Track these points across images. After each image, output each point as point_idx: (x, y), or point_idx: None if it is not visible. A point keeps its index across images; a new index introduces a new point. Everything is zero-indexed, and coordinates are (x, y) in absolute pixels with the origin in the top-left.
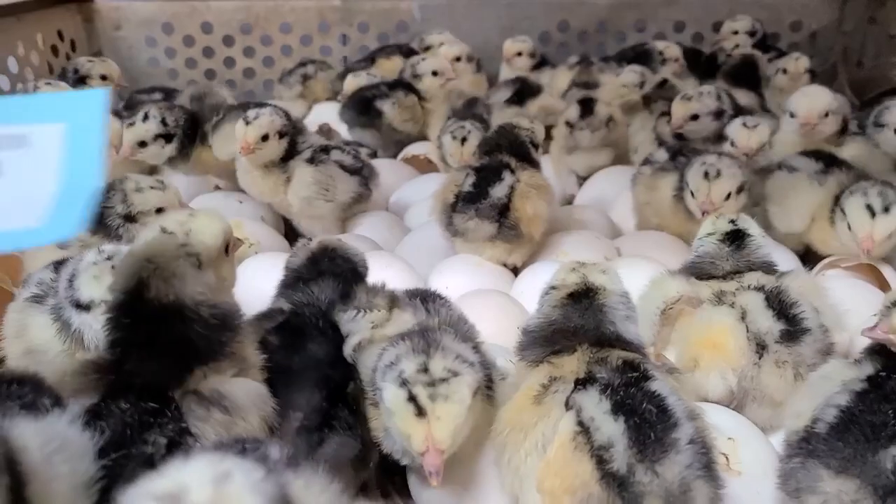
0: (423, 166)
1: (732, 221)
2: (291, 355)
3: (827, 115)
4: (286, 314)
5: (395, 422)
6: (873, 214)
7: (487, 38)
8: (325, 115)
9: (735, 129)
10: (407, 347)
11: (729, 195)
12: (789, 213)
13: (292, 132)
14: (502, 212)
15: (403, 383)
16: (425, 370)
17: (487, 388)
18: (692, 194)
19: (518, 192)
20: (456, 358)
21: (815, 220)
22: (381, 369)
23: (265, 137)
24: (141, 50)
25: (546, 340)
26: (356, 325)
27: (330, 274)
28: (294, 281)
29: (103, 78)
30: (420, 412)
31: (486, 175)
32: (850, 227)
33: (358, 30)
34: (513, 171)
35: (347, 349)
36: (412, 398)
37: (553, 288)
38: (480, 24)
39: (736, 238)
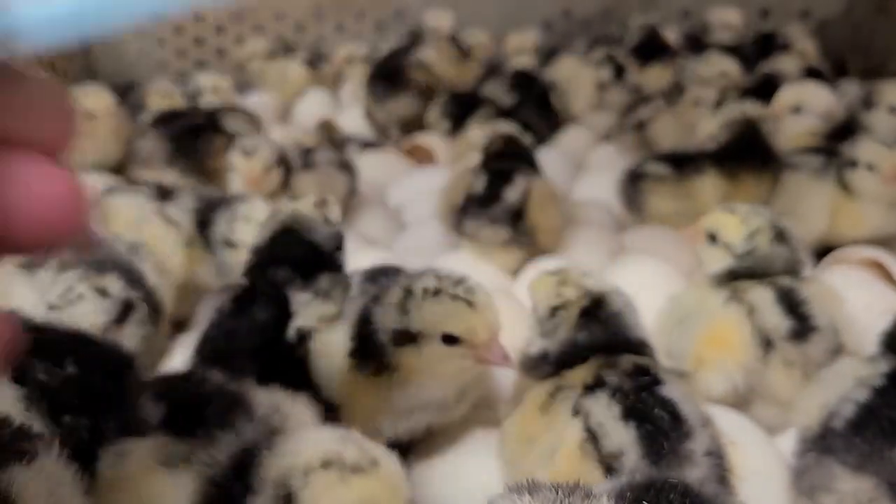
0: (424, 157)
1: (759, 214)
2: (240, 319)
3: (798, 109)
4: (244, 287)
5: (453, 326)
6: (889, 147)
7: (487, 27)
8: (314, 105)
9: (869, 149)
10: (424, 276)
11: None
12: (806, 217)
13: (284, 158)
14: (516, 216)
15: (438, 291)
16: (443, 278)
17: None
18: (868, 168)
19: (534, 200)
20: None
21: (834, 211)
22: (396, 307)
23: (268, 169)
24: (130, 40)
25: (564, 363)
26: (304, 310)
27: (289, 260)
28: (256, 264)
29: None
30: (470, 304)
31: (498, 176)
32: (870, 169)
33: (354, 18)
34: (524, 175)
35: (290, 332)
36: (454, 296)
37: (559, 308)
38: (480, 12)
39: (784, 235)
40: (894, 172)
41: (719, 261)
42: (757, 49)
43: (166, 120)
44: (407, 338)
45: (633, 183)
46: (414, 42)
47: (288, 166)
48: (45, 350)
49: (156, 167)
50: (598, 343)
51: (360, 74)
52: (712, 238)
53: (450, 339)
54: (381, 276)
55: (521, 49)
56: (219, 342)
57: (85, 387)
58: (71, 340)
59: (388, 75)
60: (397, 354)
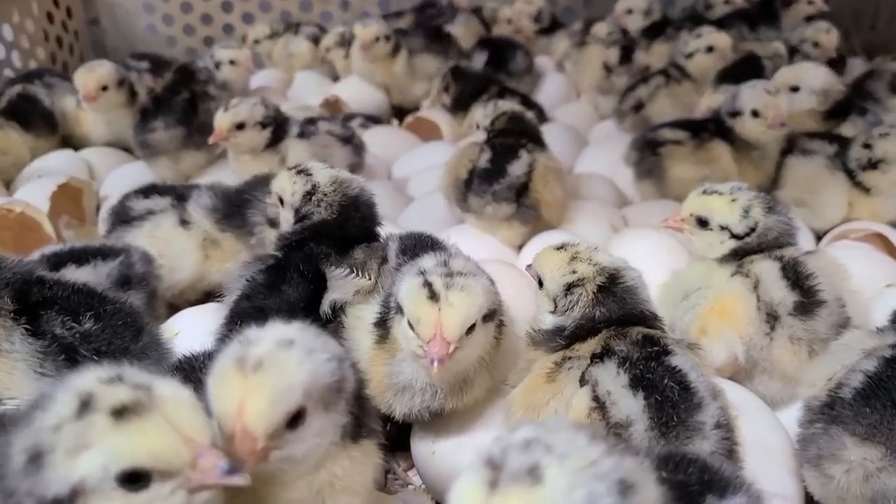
0: (428, 131)
1: (741, 188)
2: (269, 296)
3: (797, 89)
4: (276, 259)
5: (407, 310)
6: None
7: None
8: (310, 82)
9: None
10: (429, 256)
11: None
12: (824, 210)
13: (276, 121)
14: (520, 192)
15: (421, 273)
16: (445, 264)
17: (499, 325)
18: (754, 114)
19: (538, 175)
20: (476, 267)
21: (851, 202)
22: (399, 277)
23: (241, 126)
24: (138, 17)
25: (578, 336)
26: (341, 284)
27: (329, 235)
28: (292, 240)
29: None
30: (433, 296)
31: (503, 151)
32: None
33: None
34: (529, 151)
35: (324, 306)
36: (427, 284)
37: (575, 285)
38: None
39: (772, 205)
40: None
41: (719, 245)
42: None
43: (159, 105)
44: (399, 308)
45: (652, 149)
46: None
47: (280, 132)
48: (63, 304)
49: (172, 154)
50: (614, 318)
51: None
52: (703, 223)
53: (409, 325)
54: (416, 245)
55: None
56: (247, 318)
57: (102, 342)
58: (88, 296)
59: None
60: (393, 324)
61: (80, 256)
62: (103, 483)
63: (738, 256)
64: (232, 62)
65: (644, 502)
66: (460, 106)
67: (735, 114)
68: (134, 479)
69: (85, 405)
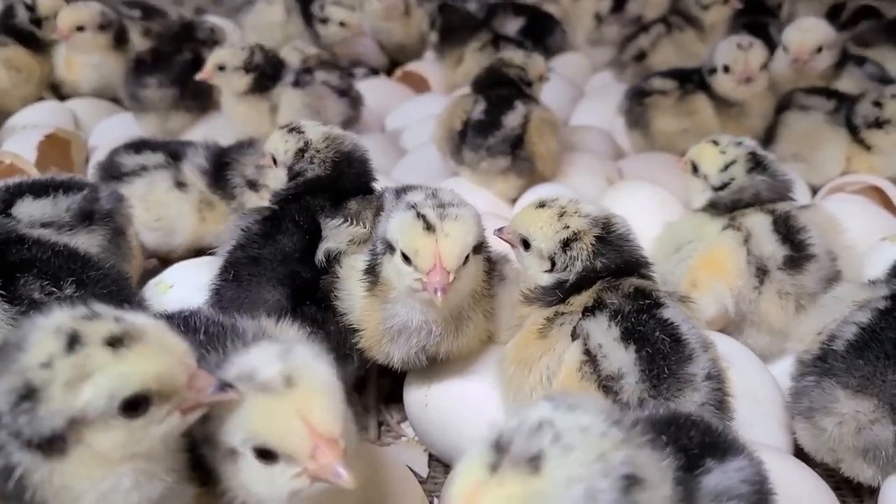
0: (417, 85)
1: (740, 144)
2: (264, 246)
3: (820, 49)
4: (272, 210)
5: (401, 244)
6: None
7: None
8: None
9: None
10: (416, 191)
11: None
12: (823, 165)
13: (262, 68)
14: (515, 144)
15: (412, 207)
16: (434, 196)
17: (489, 261)
18: (725, 70)
19: (533, 126)
20: (462, 199)
21: (850, 157)
22: (388, 217)
23: (221, 68)
24: None
25: (580, 287)
26: (335, 233)
27: (324, 190)
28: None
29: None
30: (428, 227)
31: (498, 102)
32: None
33: None
34: (524, 102)
35: (318, 255)
36: (421, 216)
37: (572, 240)
38: None
39: (760, 163)
40: None
41: (701, 193)
42: None
43: (157, 61)
44: (388, 247)
45: (639, 99)
46: None
47: (268, 79)
48: (43, 268)
49: (161, 113)
50: (613, 266)
51: None
52: (694, 168)
53: (405, 258)
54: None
55: None
56: (241, 268)
57: None
58: (70, 260)
59: None
60: (382, 265)
61: (40, 188)
62: (106, 411)
63: (718, 210)
64: (342, 24)
65: (651, 500)
66: (448, 43)
67: (713, 70)
68: (135, 405)
69: (74, 339)
